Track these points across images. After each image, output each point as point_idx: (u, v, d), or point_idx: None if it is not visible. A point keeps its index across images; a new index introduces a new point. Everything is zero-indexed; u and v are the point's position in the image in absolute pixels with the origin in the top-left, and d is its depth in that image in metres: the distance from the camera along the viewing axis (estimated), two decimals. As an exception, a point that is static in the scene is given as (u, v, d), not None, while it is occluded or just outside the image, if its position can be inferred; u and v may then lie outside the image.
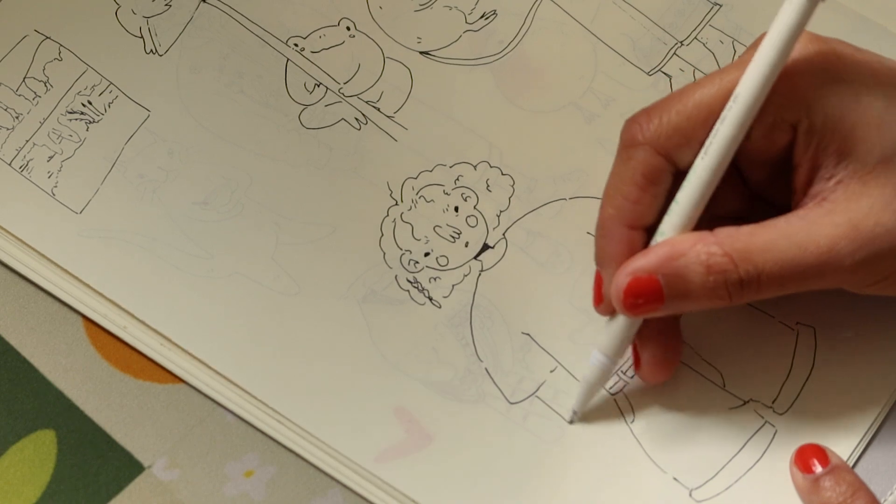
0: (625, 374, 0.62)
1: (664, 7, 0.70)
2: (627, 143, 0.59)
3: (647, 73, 0.69)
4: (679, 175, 0.59)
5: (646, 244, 0.59)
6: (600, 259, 0.60)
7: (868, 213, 0.57)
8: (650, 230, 0.59)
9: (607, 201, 0.60)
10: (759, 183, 0.61)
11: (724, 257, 0.57)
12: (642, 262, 0.58)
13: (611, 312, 0.60)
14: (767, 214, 0.58)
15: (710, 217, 0.59)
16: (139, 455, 0.61)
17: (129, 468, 0.60)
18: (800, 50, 0.58)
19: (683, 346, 0.62)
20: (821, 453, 0.59)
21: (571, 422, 0.62)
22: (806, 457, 0.59)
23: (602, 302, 0.61)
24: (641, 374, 0.62)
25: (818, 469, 0.59)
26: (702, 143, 0.58)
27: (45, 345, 0.62)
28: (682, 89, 0.59)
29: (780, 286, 0.57)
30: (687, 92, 0.59)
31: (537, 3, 0.70)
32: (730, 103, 0.57)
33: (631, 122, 0.59)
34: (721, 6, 0.70)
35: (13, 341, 0.63)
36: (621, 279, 0.58)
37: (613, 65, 0.69)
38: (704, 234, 0.57)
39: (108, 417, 0.61)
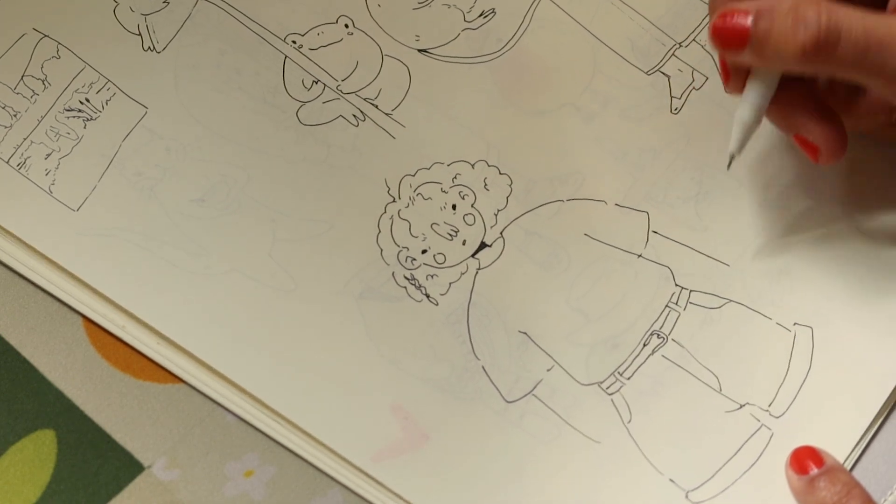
0: (622, 375, 0.63)
1: (662, 9, 0.70)
2: None
3: (646, 73, 0.69)
4: None
5: None
6: (710, 7, 0.62)
7: None
8: None
9: None
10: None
11: (814, 4, 0.58)
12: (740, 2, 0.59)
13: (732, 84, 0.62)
14: None
15: None
16: (139, 455, 0.61)
17: (129, 468, 0.61)
18: None
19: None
20: (815, 455, 0.60)
21: (729, 167, 0.62)
22: (801, 458, 0.60)
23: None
24: (822, 160, 0.62)
25: (813, 470, 0.59)
26: None
27: (45, 345, 0.63)
28: None
29: (856, 54, 0.58)
30: None
31: (536, 2, 0.69)
32: None
33: None
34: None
35: (13, 341, 0.63)
36: (717, 16, 0.59)
37: (612, 64, 0.69)
38: None
39: (108, 417, 0.61)
